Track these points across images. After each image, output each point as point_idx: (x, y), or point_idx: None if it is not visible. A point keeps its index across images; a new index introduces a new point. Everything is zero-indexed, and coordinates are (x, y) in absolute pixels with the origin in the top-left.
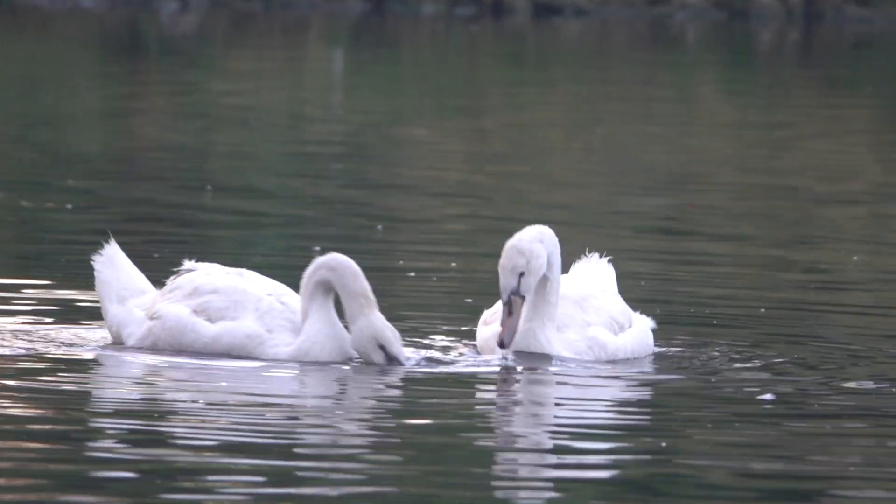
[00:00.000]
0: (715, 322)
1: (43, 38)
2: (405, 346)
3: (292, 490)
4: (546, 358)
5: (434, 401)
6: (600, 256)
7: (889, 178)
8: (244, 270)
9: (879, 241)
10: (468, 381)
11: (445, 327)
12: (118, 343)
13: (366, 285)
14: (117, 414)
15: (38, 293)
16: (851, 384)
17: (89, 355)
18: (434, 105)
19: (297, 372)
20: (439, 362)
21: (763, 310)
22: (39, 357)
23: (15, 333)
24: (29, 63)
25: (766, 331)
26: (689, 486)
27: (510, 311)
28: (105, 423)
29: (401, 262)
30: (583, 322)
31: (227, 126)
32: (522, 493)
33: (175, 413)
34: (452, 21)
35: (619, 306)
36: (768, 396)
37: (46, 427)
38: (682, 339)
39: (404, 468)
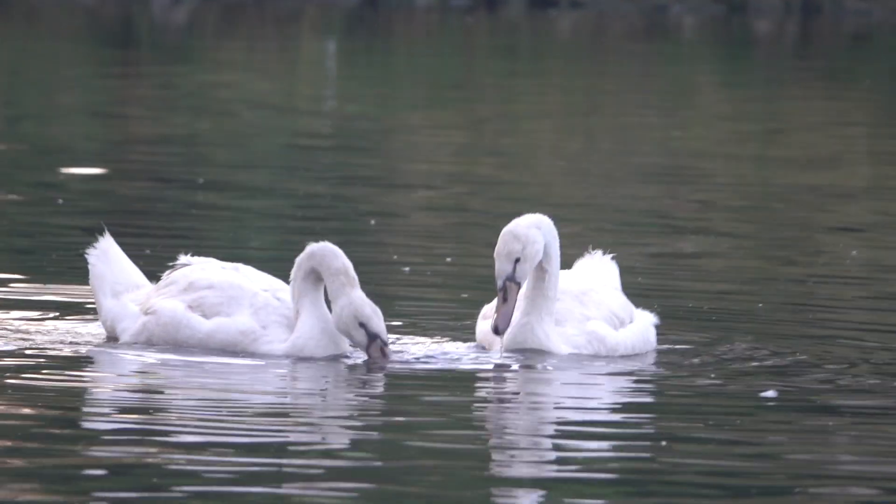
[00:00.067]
0: (714, 318)
1: (33, 31)
2: (408, 343)
3: (285, 488)
4: (543, 353)
5: (429, 397)
6: (603, 253)
7: (888, 171)
8: (240, 265)
9: (878, 234)
10: (464, 377)
11: (441, 322)
12: (112, 337)
13: (347, 263)
14: (110, 411)
15: (29, 288)
16: (853, 380)
17: (82, 351)
18: (428, 97)
19: (290, 369)
20: (435, 358)
21: (761, 305)
22: (31, 353)
23: (6, 329)
24: (18, 56)
25: (765, 326)
26: (690, 486)
27: (505, 297)
28: (97, 419)
29: (395, 256)
30: (582, 316)
31: (219, 119)
32: (519, 492)
33: (167, 410)
34: (447, 13)
35: (620, 301)
36: (770, 394)
37: (39, 424)
38: (680, 336)
39: (398, 466)
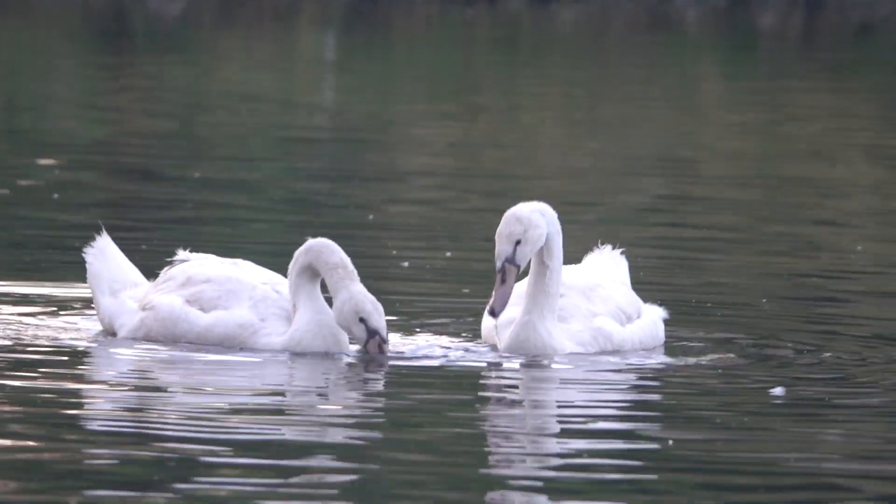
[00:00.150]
0: (719, 315)
1: (26, 23)
2: (408, 339)
3: (281, 486)
4: (546, 351)
5: (428, 395)
6: (613, 248)
7: (894, 165)
8: (239, 260)
9: (884, 230)
10: (465, 375)
11: (441, 318)
12: (110, 334)
13: (344, 257)
14: (106, 408)
15: (23, 283)
16: (863, 377)
17: (77, 347)
18: (427, 91)
19: (287, 364)
20: (435, 354)
21: (765, 300)
22: (25, 349)
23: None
24: (11, 49)
25: (771, 322)
26: (699, 486)
27: (503, 278)
28: (94, 417)
29: (394, 251)
30: (588, 312)
31: (216, 113)
32: (521, 493)
33: (164, 408)
34: (446, 5)
35: (628, 296)
36: (779, 391)
37: (35, 421)
38: (685, 332)
39: (396, 463)
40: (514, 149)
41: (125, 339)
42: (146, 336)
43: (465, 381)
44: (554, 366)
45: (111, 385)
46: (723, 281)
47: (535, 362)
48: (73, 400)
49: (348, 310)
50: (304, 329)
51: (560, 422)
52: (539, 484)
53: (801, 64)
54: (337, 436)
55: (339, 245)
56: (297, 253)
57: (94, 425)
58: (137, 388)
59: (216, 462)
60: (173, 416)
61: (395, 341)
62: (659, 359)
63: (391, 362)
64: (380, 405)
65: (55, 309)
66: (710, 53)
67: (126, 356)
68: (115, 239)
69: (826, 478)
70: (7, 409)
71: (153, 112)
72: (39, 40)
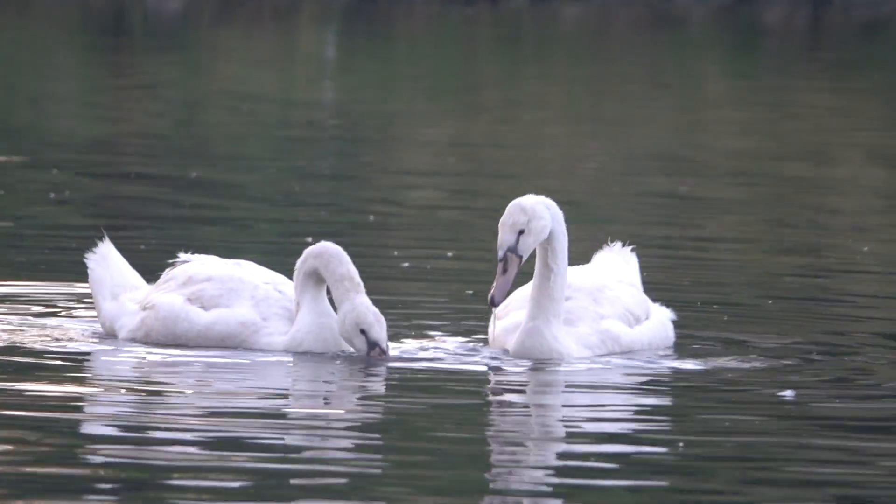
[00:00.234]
0: (726, 317)
1: (24, 21)
2: (410, 341)
3: (285, 490)
4: (553, 356)
5: (431, 398)
6: (622, 245)
7: None
8: (241, 261)
9: (890, 230)
10: (468, 378)
11: (444, 321)
12: (111, 336)
13: (352, 269)
14: (106, 410)
15: (20, 284)
16: (871, 380)
17: (75, 349)
18: (428, 90)
19: (288, 365)
20: (438, 357)
21: (771, 301)
22: (22, 352)
23: None
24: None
25: (777, 324)
26: (708, 491)
27: (505, 268)
28: (95, 421)
29: (394, 252)
30: (595, 315)
31: (215, 111)
32: (528, 497)
33: (166, 410)
34: (447, 4)
35: (636, 297)
36: (788, 394)
37: (36, 427)
38: (692, 334)
39: (399, 467)
40: (515, 148)
41: (125, 340)
42: (146, 336)
43: (468, 384)
44: (561, 369)
45: (109, 388)
46: (728, 281)
47: (541, 366)
48: (72, 403)
49: (350, 321)
50: (306, 330)
51: (566, 426)
52: (546, 489)
53: (805, 62)
54: (339, 438)
55: (341, 245)
56: (305, 254)
57: (94, 428)
58: (136, 392)
59: (218, 465)
60: (175, 420)
61: (397, 343)
62: (667, 361)
63: (393, 364)
64: (382, 408)
65: (51, 309)
66: (713, 51)
67: (125, 358)
68: (112, 239)
69: (837, 484)
70: (6, 412)
71: (151, 111)
72: (38, 38)
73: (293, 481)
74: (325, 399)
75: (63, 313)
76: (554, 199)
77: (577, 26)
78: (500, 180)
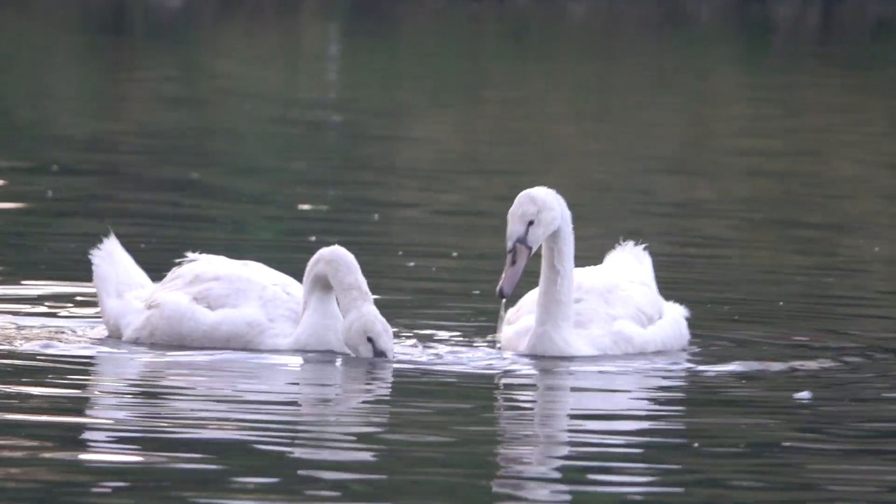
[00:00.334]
0: (736, 317)
1: (24, 18)
2: (417, 342)
3: (285, 491)
4: (564, 358)
5: (439, 404)
6: (635, 244)
7: None
8: (249, 262)
9: None
10: (477, 380)
11: (451, 321)
12: (115, 337)
13: (360, 278)
14: (111, 413)
15: (20, 283)
16: (887, 381)
17: (77, 351)
18: (433, 86)
19: (293, 367)
20: (446, 359)
21: (782, 303)
22: (19, 354)
23: None
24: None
25: (788, 324)
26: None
27: (514, 259)
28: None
29: (400, 252)
30: (607, 316)
31: (217, 109)
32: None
33: (171, 413)
34: (453, 0)
35: (649, 296)
36: (804, 395)
37: (40, 429)
38: (704, 334)
39: (406, 478)
40: (521, 146)
41: (130, 339)
42: (151, 335)
43: (475, 387)
44: (572, 371)
45: (110, 391)
46: (737, 281)
47: (551, 368)
48: (73, 406)
49: (357, 328)
50: (310, 332)
51: (575, 429)
52: (552, 490)
53: (816, 60)
54: (344, 440)
55: (344, 244)
56: (316, 257)
57: (95, 431)
58: (139, 395)
59: (221, 468)
60: (178, 423)
61: (402, 344)
62: (680, 362)
63: (398, 366)
64: (387, 411)
65: (53, 309)
66: (723, 49)
67: (128, 359)
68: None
69: (854, 484)
70: (8, 415)
71: (152, 108)
72: (37, 35)
73: (296, 483)
74: (331, 401)
75: (63, 313)
76: (561, 192)
77: (583, 24)
78: (505, 179)
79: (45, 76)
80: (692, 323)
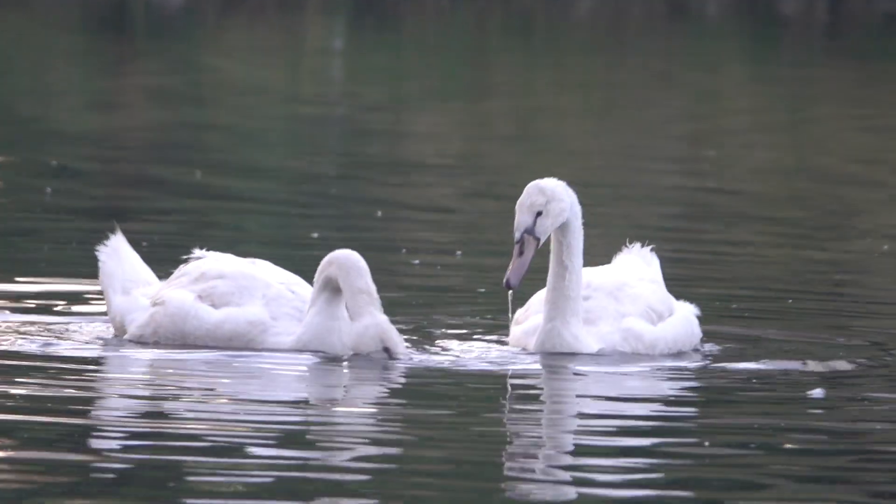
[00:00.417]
0: (747, 314)
1: (25, 15)
2: (423, 340)
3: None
4: (573, 355)
5: (449, 403)
6: (642, 245)
7: None
8: (256, 260)
9: None
10: (485, 378)
11: (456, 319)
12: (120, 334)
13: (370, 283)
14: (114, 412)
15: (20, 281)
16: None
17: (77, 349)
18: (438, 83)
19: (295, 366)
20: (452, 357)
21: (791, 300)
22: (20, 353)
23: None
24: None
25: (799, 322)
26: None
27: (521, 250)
28: (103, 421)
29: (403, 250)
30: (617, 313)
31: (220, 106)
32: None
33: (175, 412)
34: None
35: (658, 293)
36: (818, 393)
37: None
38: (714, 331)
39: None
40: (527, 142)
41: (133, 336)
42: (154, 332)
43: (482, 385)
44: (581, 370)
45: (110, 390)
46: (746, 278)
47: (560, 366)
48: (76, 407)
49: (372, 335)
50: (313, 333)
51: (585, 428)
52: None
53: (825, 54)
54: (350, 440)
55: (347, 244)
56: (327, 259)
57: (95, 431)
58: (139, 395)
59: (223, 466)
60: (182, 422)
61: (408, 343)
62: (690, 360)
63: (405, 365)
64: (393, 411)
65: (54, 306)
66: (731, 43)
67: (132, 357)
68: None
69: (868, 482)
70: (14, 415)
71: (154, 106)
72: (38, 33)
73: (302, 485)
74: (337, 400)
75: (62, 311)
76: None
77: (589, 19)
78: (510, 175)
79: (46, 75)
80: (702, 320)
